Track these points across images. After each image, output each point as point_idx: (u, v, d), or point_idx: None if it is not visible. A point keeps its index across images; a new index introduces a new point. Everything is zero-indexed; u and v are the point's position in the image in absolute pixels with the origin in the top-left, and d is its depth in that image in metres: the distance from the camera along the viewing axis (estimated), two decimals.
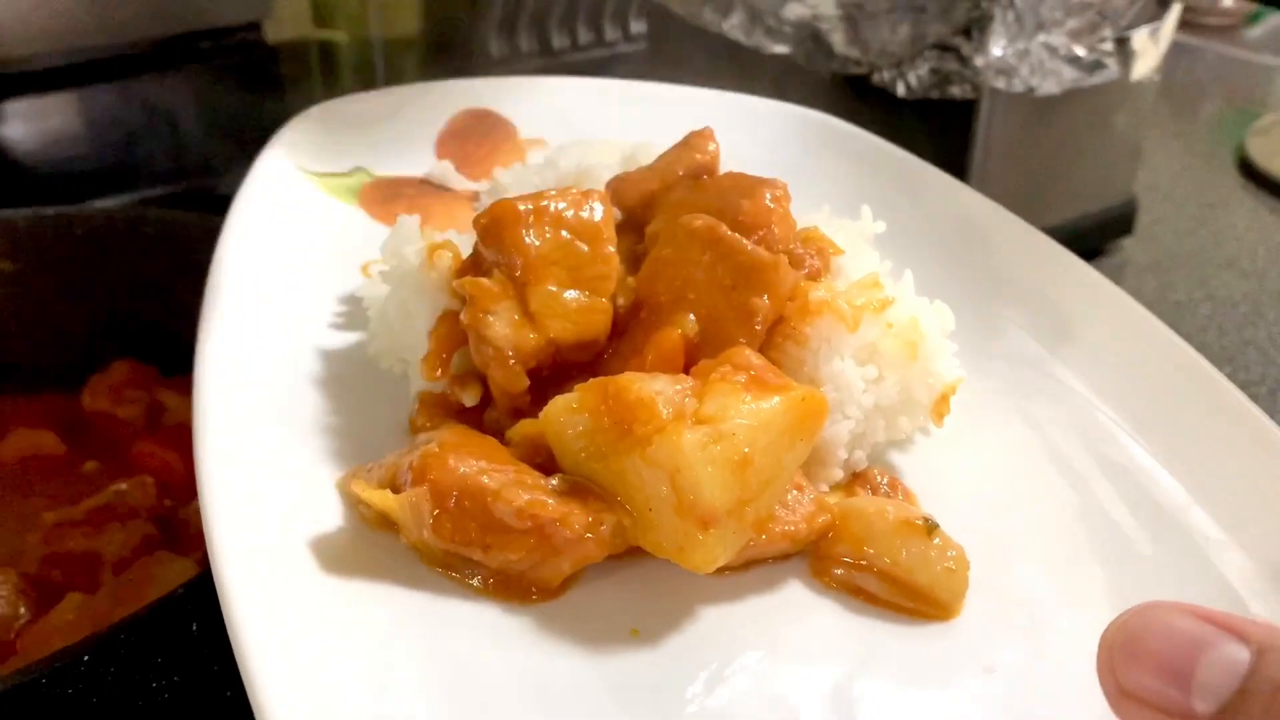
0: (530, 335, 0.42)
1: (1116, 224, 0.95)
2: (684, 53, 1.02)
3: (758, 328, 0.42)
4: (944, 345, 0.46)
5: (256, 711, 0.31)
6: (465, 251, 0.46)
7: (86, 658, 0.41)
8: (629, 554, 0.39)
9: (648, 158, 0.53)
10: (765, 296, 0.42)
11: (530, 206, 0.43)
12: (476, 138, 0.63)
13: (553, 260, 0.43)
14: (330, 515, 0.39)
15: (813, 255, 0.46)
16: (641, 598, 0.39)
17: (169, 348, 0.69)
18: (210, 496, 0.37)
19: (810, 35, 0.97)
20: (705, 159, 0.49)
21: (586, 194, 0.45)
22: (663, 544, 0.38)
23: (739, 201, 0.45)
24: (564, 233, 0.43)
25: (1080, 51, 0.98)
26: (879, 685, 0.37)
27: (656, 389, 0.38)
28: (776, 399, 0.38)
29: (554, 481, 0.39)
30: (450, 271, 0.45)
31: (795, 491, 0.40)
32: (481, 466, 0.38)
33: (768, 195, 0.46)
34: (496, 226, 0.43)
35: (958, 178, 0.63)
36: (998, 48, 0.93)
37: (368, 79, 1.05)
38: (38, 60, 0.89)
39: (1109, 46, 0.92)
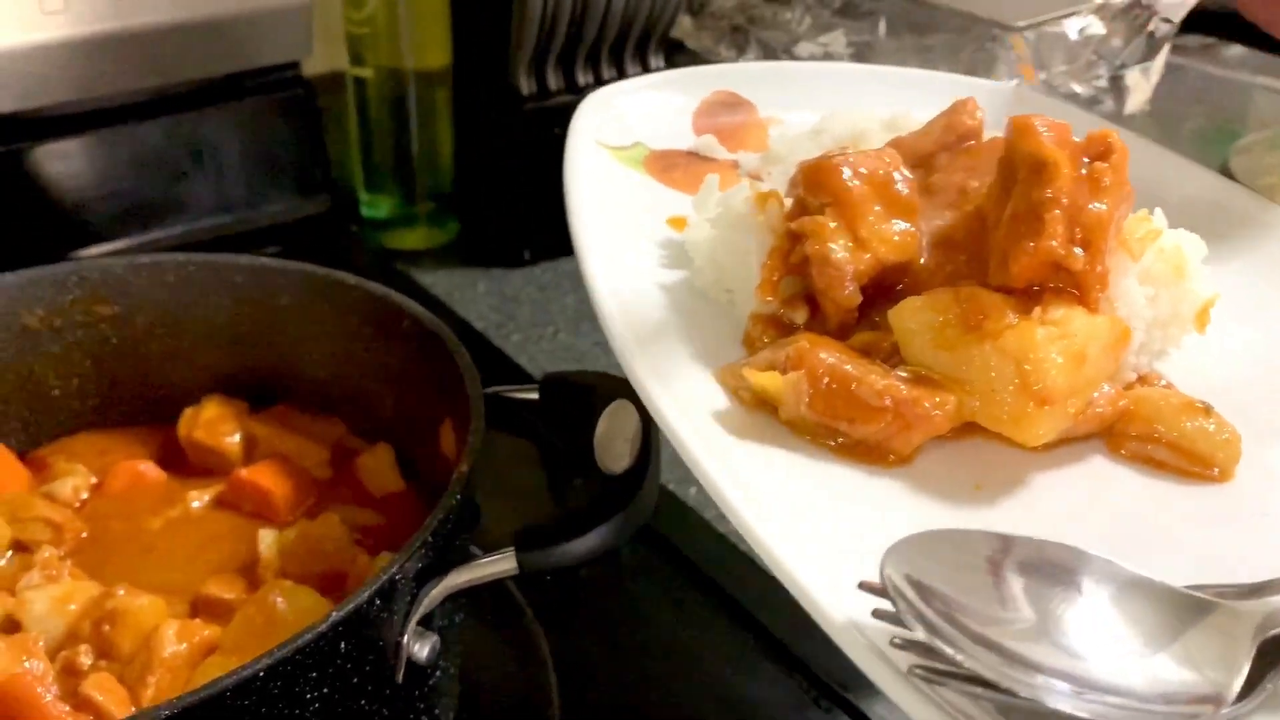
0: (864, 257, 0.54)
1: None
2: None
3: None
4: (1201, 267, 0.57)
5: (724, 506, 0.44)
6: None
7: (261, 673, 0.47)
8: (965, 434, 0.51)
9: (907, 125, 0.65)
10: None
11: (842, 159, 0.55)
12: (726, 116, 0.76)
13: (868, 199, 0.55)
14: (719, 400, 0.52)
15: None
16: (980, 465, 0.51)
17: (255, 384, 0.78)
18: (647, 384, 0.50)
19: None
20: (973, 124, 0.61)
21: (880, 150, 0.57)
22: (1000, 418, 0.49)
23: None
24: (874, 176, 0.55)
25: (1078, 88, 1.03)
26: (1176, 528, 0.48)
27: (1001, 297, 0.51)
28: (1103, 319, 0.51)
29: (900, 372, 0.51)
30: (779, 216, 0.57)
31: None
32: (842, 358, 0.51)
33: None
34: (821, 174, 0.55)
35: None
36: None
37: (400, 112, 1.15)
38: (79, 104, 0.97)
39: (1104, 84, 0.98)
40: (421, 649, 0.55)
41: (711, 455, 0.47)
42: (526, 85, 1.11)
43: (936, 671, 0.37)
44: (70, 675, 0.59)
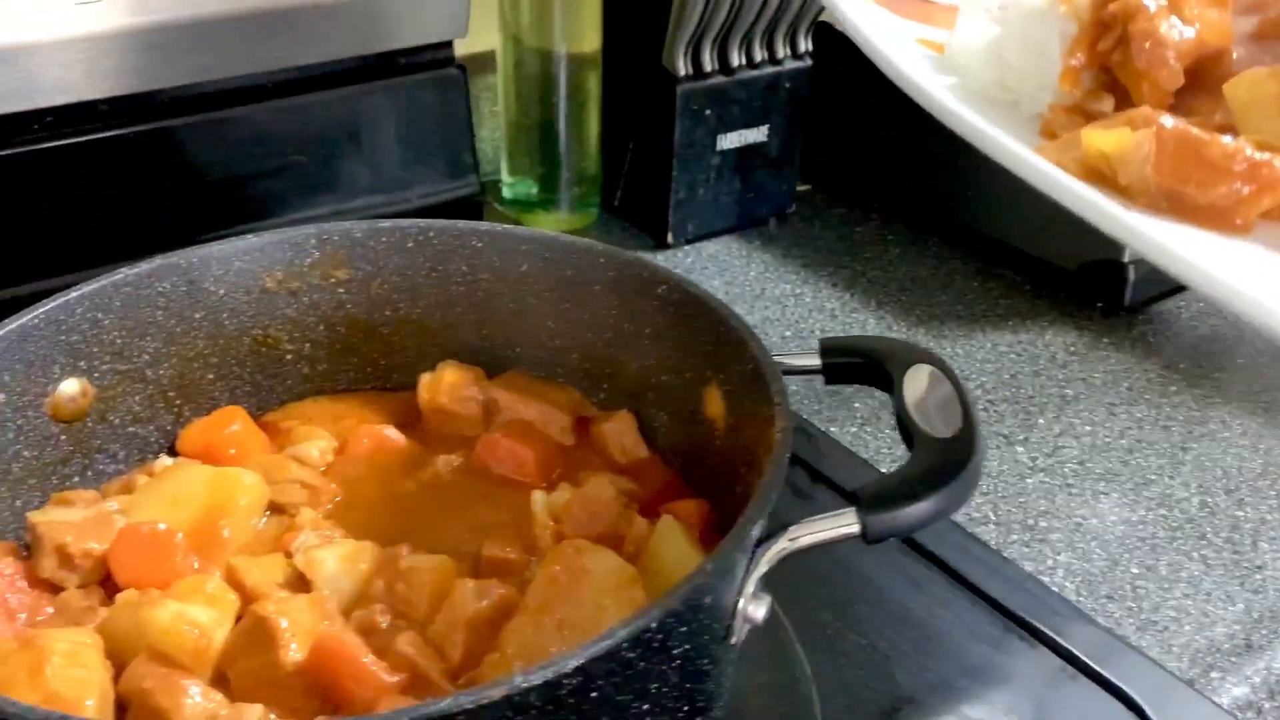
0: (1187, 35, 0.55)
1: None
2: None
3: None
4: None
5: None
6: None
7: (653, 625, 0.46)
8: None
9: None
10: None
11: None
12: None
13: None
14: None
15: None
16: None
17: (486, 350, 0.77)
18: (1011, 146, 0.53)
19: None
20: None
21: None
22: None
23: None
24: None
25: None
26: None
27: None
28: None
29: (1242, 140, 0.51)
30: (1087, 4, 0.58)
31: None
32: (1186, 124, 0.51)
33: None
34: None
35: None
36: None
37: (549, 94, 1.14)
38: (238, 79, 0.97)
39: None
40: (757, 610, 0.54)
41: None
42: (683, 66, 1.11)
43: None
44: (367, 635, 0.58)
